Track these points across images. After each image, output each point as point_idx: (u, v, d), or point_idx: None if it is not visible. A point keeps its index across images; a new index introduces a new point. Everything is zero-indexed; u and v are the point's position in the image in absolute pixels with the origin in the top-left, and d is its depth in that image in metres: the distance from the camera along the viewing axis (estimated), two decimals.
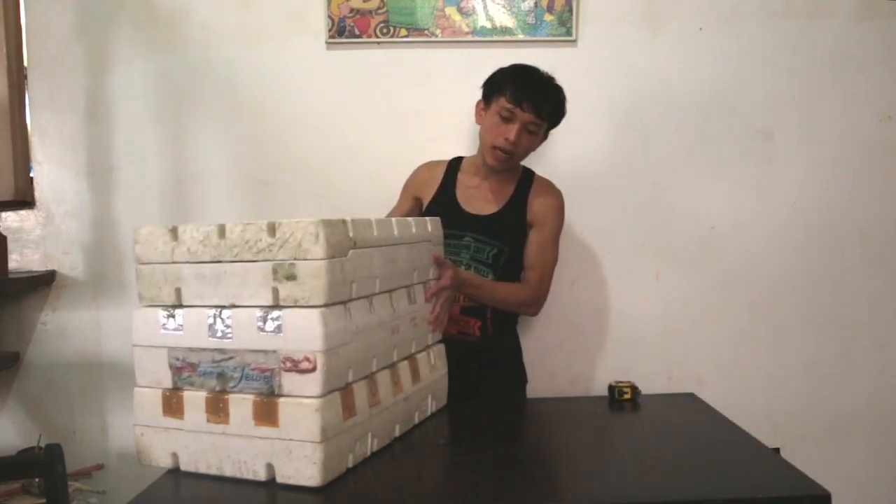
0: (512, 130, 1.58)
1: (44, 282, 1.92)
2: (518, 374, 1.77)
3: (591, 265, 1.98)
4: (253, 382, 1.07)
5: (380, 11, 1.92)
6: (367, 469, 1.12)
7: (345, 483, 1.07)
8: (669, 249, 1.99)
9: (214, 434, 1.09)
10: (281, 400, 1.05)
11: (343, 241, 1.10)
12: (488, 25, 1.93)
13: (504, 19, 1.93)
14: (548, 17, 1.93)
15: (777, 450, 1.55)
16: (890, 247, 2.00)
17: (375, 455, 1.16)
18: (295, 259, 1.05)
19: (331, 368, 1.05)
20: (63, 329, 1.95)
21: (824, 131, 1.98)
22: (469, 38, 1.93)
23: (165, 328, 1.14)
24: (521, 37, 1.94)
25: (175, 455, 1.13)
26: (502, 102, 1.59)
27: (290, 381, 1.05)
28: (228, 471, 1.08)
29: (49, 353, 1.95)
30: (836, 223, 1.99)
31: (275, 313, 1.06)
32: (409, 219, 1.37)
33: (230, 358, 1.09)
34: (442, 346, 1.47)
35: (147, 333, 1.16)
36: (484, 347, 1.65)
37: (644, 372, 1.88)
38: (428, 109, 1.95)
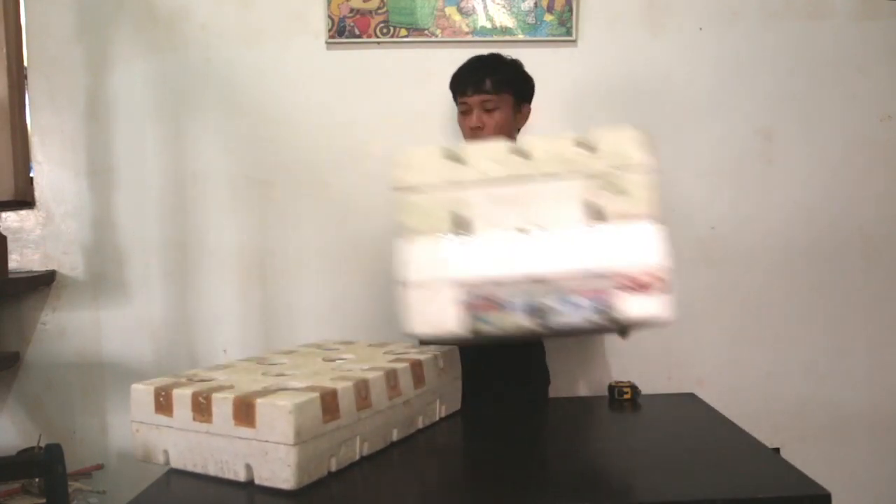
0: (472, 118, 1.61)
1: (44, 282, 1.92)
2: (544, 372, 1.78)
3: None
4: (580, 310, 0.94)
5: (380, 11, 1.92)
6: (354, 473, 1.10)
7: (325, 487, 1.04)
8: (669, 249, 1.98)
9: (199, 433, 1.07)
10: (258, 401, 1.01)
11: None
12: (488, 25, 1.93)
13: (504, 19, 1.93)
14: (548, 17, 1.93)
15: (777, 450, 1.55)
16: (890, 247, 2.00)
17: (368, 459, 1.15)
18: (621, 171, 0.96)
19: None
20: (63, 329, 1.95)
21: (824, 131, 1.98)
22: (469, 38, 1.93)
23: (459, 262, 0.95)
24: (521, 37, 1.94)
25: (166, 452, 1.12)
26: (459, 102, 1.64)
27: (626, 304, 0.94)
28: (212, 470, 1.07)
29: (49, 353, 1.95)
30: (837, 223, 1.99)
31: (604, 230, 0.94)
32: None
33: (550, 286, 0.94)
34: (454, 350, 1.44)
35: (427, 269, 0.97)
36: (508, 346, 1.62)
37: (644, 372, 1.88)
38: (428, 109, 1.95)
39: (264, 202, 1.96)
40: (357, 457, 1.12)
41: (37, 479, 1.69)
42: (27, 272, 1.92)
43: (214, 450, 1.06)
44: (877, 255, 2.00)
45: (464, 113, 1.64)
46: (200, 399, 1.06)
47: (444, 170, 0.97)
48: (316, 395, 1.04)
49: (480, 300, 0.94)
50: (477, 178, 0.96)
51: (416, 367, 1.28)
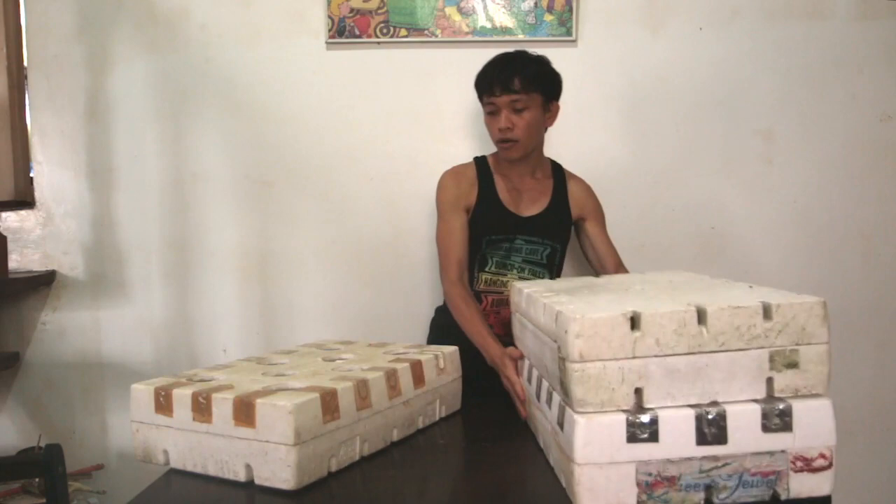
0: (500, 119, 1.57)
1: (44, 282, 1.93)
2: None
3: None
4: (752, 489, 0.93)
5: (380, 11, 1.91)
6: (354, 473, 1.10)
7: (325, 487, 1.04)
8: (669, 249, 1.98)
9: (199, 433, 1.07)
10: (258, 401, 1.01)
11: None
12: (488, 25, 1.93)
13: (504, 19, 1.93)
14: (548, 17, 1.93)
15: None
16: (890, 247, 2.00)
17: (368, 459, 1.15)
18: (797, 345, 0.95)
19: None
20: (63, 329, 1.95)
21: (824, 131, 1.98)
22: (469, 38, 1.93)
23: (633, 439, 0.92)
24: (521, 37, 1.93)
25: (166, 452, 1.12)
26: (484, 102, 1.61)
27: (799, 483, 0.94)
28: (212, 470, 1.07)
29: (49, 353, 1.95)
30: (836, 223, 1.99)
31: (779, 407, 0.93)
32: None
33: (725, 465, 0.93)
34: (455, 351, 1.43)
35: (604, 448, 0.92)
36: None
37: None
38: (428, 109, 1.95)
39: (264, 202, 1.96)
40: (357, 457, 1.12)
41: (37, 479, 1.69)
42: (27, 272, 1.92)
43: (214, 450, 1.06)
44: (876, 256, 2.00)
45: (491, 114, 1.60)
46: (200, 399, 1.06)
47: (624, 339, 0.94)
48: (316, 395, 1.04)
49: (654, 478, 0.93)
50: (654, 350, 0.93)
51: (416, 367, 1.28)
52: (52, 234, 1.95)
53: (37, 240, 1.95)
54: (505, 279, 1.65)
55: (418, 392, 1.27)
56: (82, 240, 1.95)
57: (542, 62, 1.62)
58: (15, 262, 1.93)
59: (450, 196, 1.67)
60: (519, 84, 1.56)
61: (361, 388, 1.13)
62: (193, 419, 1.07)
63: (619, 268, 1.70)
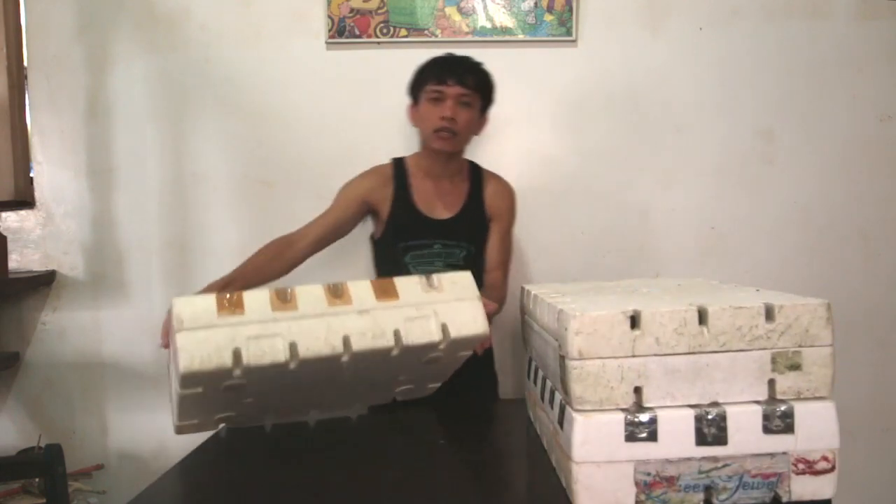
0: (446, 107, 1.57)
1: (44, 282, 1.92)
2: (493, 377, 1.76)
3: (591, 265, 1.98)
4: (752, 491, 0.93)
5: (380, 11, 1.91)
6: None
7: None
8: (669, 249, 1.98)
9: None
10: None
11: None
12: (488, 25, 1.93)
13: (504, 19, 1.93)
14: (548, 17, 1.93)
15: None
16: (890, 247, 2.00)
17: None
18: (800, 346, 0.94)
19: None
20: (63, 329, 1.95)
21: (824, 131, 1.98)
22: (469, 38, 1.93)
23: (632, 438, 0.92)
24: (521, 37, 1.94)
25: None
26: (429, 89, 1.59)
27: (801, 486, 0.94)
28: None
29: (49, 353, 1.95)
30: (836, 223, 1.99)
31: (781, 409, 0.93)
32: None
33: (724, 466, 0.93)
34: (466, 274, 1.21)
35: (602, 447, 0.92)
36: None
37: None
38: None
39: (264, 202, 1.96)
40: (283, 358, 1.05)
41: (37, 479, 1.69)
42: (27, 272, 1.92)
43: None
44: (876, 256, 2.00)
45: (435, 100, 1.59)
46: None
47: (623, 337, 0.93)
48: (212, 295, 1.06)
49: (653, 478, 0.92)
50: (654, 349, 0.93)
51: (382, 282, 1.17)
52: (52, 234, 1.95)
53: (37, 240, 1.95)
54: None
55: (385, 304, 1.14)
56: (82, 240, 1.95)
57: (486, 69, 1.63)
58: (15, 262, 1.93)
59: (349, 191, 1.67)
60: (472, 81, 1.58)
61: (280, 293, 1.09)
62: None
63: (496, 269, 1.67)
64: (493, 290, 1.62)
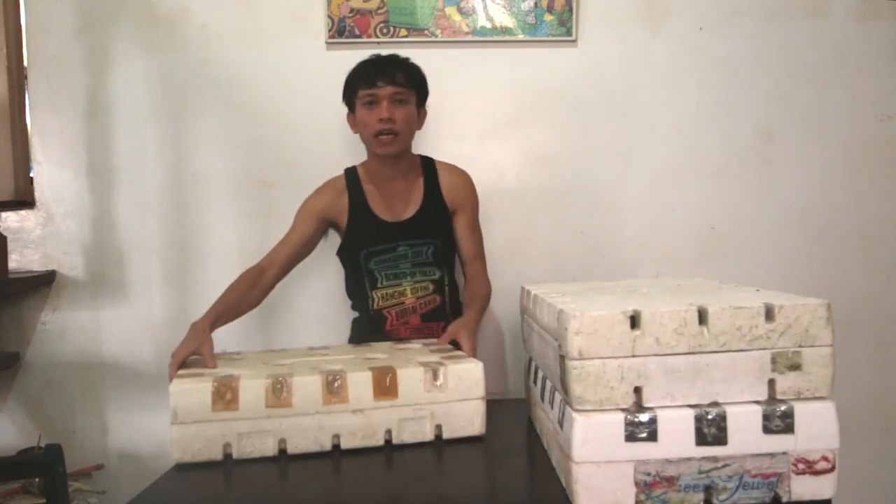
0: (382, 109, 1.57)
1: (44, 282, 1.92)
2: None
3: (591, 265, 1.98)
4: (752, 491, 0.94)
5: (380, 11, 1.92)
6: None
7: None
8: (669, 249, 1.98)
9: None
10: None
11: None
12: (488, 25, 1.93)
13: (504, 19, 1.93)
14: (548, 17, 1.93)
15: None
16: (890, 247, 2.00)
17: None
18: (800, 346, 0.94)
19: None
20: (63, 329, 1.95)
21: (824, 131, 1.98)
22: (469, 38, 1.93)
23: (631, 438, 0.92)
24: (521, 37, 1.94)
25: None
26: (361, 94, 1.59)
27: (801, 486, 0.94)
28: None
29: (49, 353, 1.94)
30: (836, 223, 1.99)
31: (781, 409, 0.93)
32: None
33: (724, 466, 0.93)
34: (478, 366, 1.22)
35: (602, 447, 0.92)
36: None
37: None
38: (427, 109, 1.95)
39: (264, 202, 1.96)
40: (273, 452, 1.15)
41: (37, 479, 1.68)
42: (27, 272, 1.92)
43: None
44: (876, 256, 2.00)
45: (370, 104, 1.58)
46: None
47: (624, 338, 0.93)
48: (207, 380, 1.13)
49: (653, 478, 0.92)
50: (654, 349, 0.93)
51: (384, 375, 1.17)
52: (52, 234, 1.95)
53: (37, 240, 1.95)
54: (401, 288, 1.65)
55: (381, 404, 1.17)
56: (82, 240, 1.95)
57: (417, 66, 1.64)
58: (15, 262, 1.93)
59: (305, 210, 1.69)
60: (402, 78, 1.58)
61: (277, 385, 1.14)
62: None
63: (473, 261, 1.68)
64: (476, 281, 1.64)
